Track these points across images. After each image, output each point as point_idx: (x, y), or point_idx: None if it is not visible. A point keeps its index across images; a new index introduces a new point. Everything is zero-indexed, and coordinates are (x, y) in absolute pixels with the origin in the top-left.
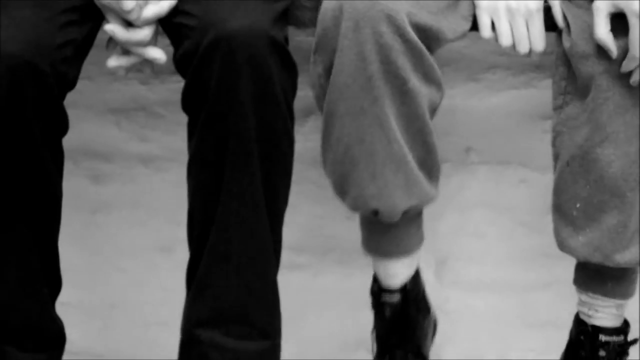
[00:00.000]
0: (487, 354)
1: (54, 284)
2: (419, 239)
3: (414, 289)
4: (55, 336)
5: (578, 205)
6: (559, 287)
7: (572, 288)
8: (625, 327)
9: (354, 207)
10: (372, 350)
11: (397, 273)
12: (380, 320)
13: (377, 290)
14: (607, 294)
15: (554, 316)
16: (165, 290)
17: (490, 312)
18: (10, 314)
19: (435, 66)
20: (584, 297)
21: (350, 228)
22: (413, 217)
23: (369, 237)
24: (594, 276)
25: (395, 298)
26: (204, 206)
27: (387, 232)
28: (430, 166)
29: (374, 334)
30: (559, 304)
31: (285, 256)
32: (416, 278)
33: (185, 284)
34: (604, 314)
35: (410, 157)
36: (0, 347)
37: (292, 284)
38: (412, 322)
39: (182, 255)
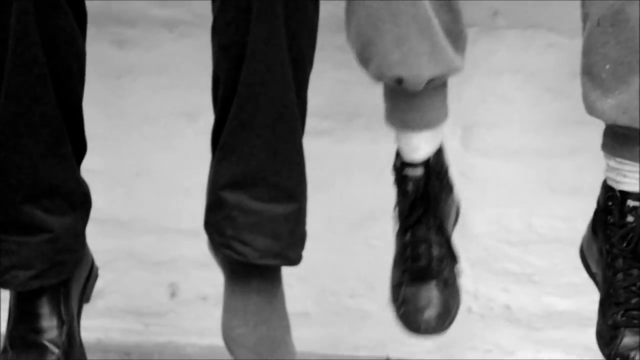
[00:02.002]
0: (512, 221)
1: (79, 147)
2: (444, 114)
3: (437, 165)
4: (81, 199)
5: (607, 67)
6: (585, 154)
7: (599, 154)
8: None
9: (377, 76)
10: (394, 228)
11: (420, 146)
12: (403, 196)
13: (400, 165)
14: (635, 158)
15: (580, 182)
16: (190, 157)
17: (516, 179)
18: (36, 174)
19: None
20: (612, 163)
21: (377, 94)
22: (438, 88)
23: (393, 109)
24: (622, 141)
25: (418, 172)
26: (228, 69)
27: (411, 103)
28: (456, 35)
29: (396, 211)
30: (585, 171)
31: (310, 122)
32: (440, 155)
33: (210, 148)
34: (632, 179)
35: (435, 22)
36: (27, 210)
37: (317, 150)
38: (434, 198)
39: (207, 121)
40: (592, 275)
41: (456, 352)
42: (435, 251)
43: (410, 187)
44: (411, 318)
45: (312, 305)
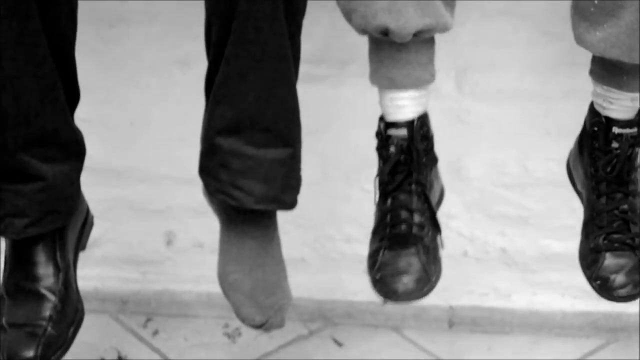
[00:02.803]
0: (507, 164)
1: (72, 95)
2: (430, 74)
3: (421, 127)
4: (75, 147)
5: (596, 1)
6: (581, 96)
7: None
8: (638, 119)
9: (362, 25)
10: (374, 198)
11: (405, 104)
12: (384, 162)
13: (383, 127)
14: (622, 87)
15: (575, 125)
16: (184, 105)
17: (511, 122)
18: (30, 123)
19: None
20: (599, 89)
21: None
22: (425, 45)
23: (378, 66)
24: (610, 69)
25: (402, 132)
26: (221, 16)
27: (396, 58)
28: None
29: (376, 181)
30: (580, 113)
31: (304, 69)
32: (424, 119)
33: (204, 94)
34: (618, 106)
35: None
36: (21, 158)
37: (312, 96)
38: (417, 161)
39: (201, 69)
40: (577, 192)
41: (452, 296)
42: (417, 218)
43: (392, 149)
44: (388, 281)
45: (309, 251)
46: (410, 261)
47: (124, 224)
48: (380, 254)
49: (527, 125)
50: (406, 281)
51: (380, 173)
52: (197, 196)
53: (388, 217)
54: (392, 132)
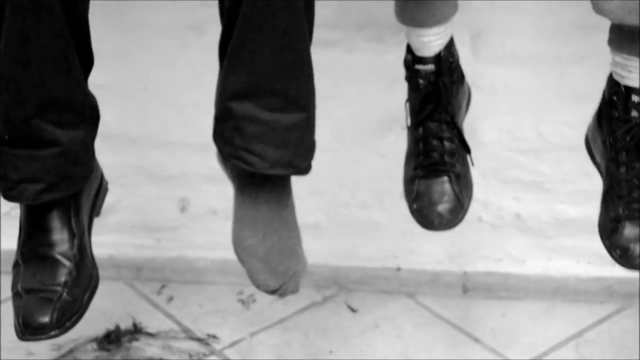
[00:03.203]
0: (522, 128)
1: (86, 61)
2: (453, 7)
3: (448, 58)
4: (89, 112)
5: None
6: (595, 60)
7: (608, 61)
8: None
9: None
10: (406, 123)
11: (430, 41)
12: (414, 91)
13: (411, 60)
14: None
15: (590, 89)
16: (198, 71)
17: (526, 86)
18: (44, 88)
19: None
20: (618, 58)
21: (385, 3)
22: None
23: (403, 5)
24: (629, 37)
25: (429, 67)
26: None
27: (420, 1)
28: None
29: (407, 106)
30: (595, 77)
31: (319, 33)
32: (450, 47)
33: (218, 59)
34: (637, 74)
35: None
36: (36, 124)
37: (326, 61)
38: (446, 92)
39: (214, 34)
40: (596, 164)
41: (467, 261)
42: (447, 145)
43: (421, 82)
44: (425, 212)
45: (323, 217)
46: (444, 190)
47: (138, 191)
48: (416, 183)
49: (542, 89)
50: (441, 211)
51: (411, 102)
52: (211, 162)
53: (420, 145)
54: (420, 67)
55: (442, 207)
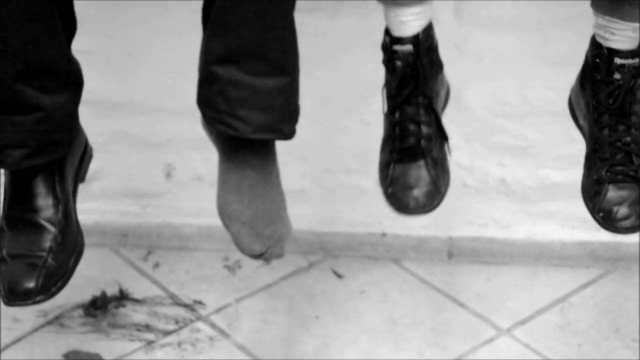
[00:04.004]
0: (506, 93)
1: (69, 26)
2: None
3: (426, 40)
4: (73, 77)
5: None
6: (579, 24)
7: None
8: None
9: None
10: (383, 109)
11: (409, 20)
12: (391, 74)
13: (389, 42)
14: (624, 17)
15: (574, 54)
16: (183, 37)
17: (510, 51)
18: (26, 53)
19: None
20: (600, 20)
21: None
22: None
23: None
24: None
25: (407, 47)
26: None
27: None
28: None
29: (384, 91)
30: (579, 42)
31: None
32: (429, 30)
33: (202, 23)
34: (619, 36)
35: None
36: (19, 89)
37: (310, 27)
38: (423, 75)
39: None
40: (579, 127)
41: (452, 227)
42: (425, 129)
43: (398, 63)
44: (399, 196)
45: (308, 183)
46: (420, 174)
47: (123, 157)
48: (391, 167)
49: (526, 54)
50: (417, 195)
51: (388, 86)
52: (196, 128)
53: (397, 129)
54: (398, 47)
55: (418, 191)
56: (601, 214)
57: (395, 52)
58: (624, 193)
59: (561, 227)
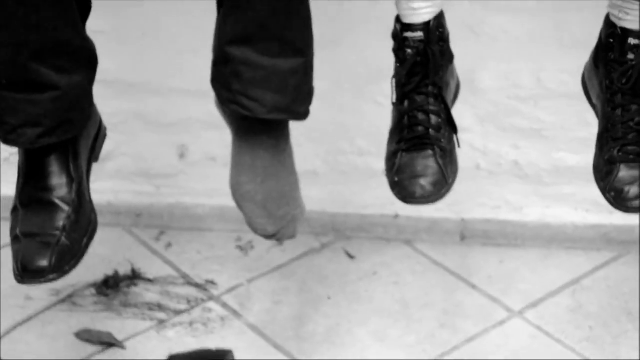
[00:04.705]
0: (520, 76)
1: (84, 5)
2: None
3: (437, 29)
4: (87, 56)
5: None
6: (594, 8)
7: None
8: None
9: None
10: (392, 99)
11: (420, 8)
12: (401, 63)
13: (400, 29)
14: None
15: (589, 36)
16: (197, 17)
17: (525, 34)
18: (42, 32)
19: None
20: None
21: None
22: None
23: None
24: None
25: (418, 35)
26: None
27: None
28: None
29: (393, 82)
30: (593, 24)
31: None
32: (440, 19)
33: (216, 3)
34: (634, 16)
35: None
36: (34, 68)
37: (325, 8)
38: (434, 61)
39: None
40: (592, 105)
41: (464, 208)
42: (434, 119)
43: (409, 51)
44: (406, 184)
45: (321, 164)
46: (428, 163)
47: (137, 137)
48: (399, 156)
49: (541, 36)
50: (424, 184)
51: (397, 74)
52: (210, 109)
53: (405, 118)
54: (409, 34)
55: (425, 180)
56: (612, 194)
57: (406, 39)
58: (635, 172)
59: (574, 210)
